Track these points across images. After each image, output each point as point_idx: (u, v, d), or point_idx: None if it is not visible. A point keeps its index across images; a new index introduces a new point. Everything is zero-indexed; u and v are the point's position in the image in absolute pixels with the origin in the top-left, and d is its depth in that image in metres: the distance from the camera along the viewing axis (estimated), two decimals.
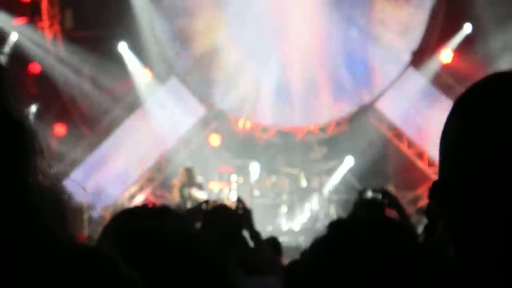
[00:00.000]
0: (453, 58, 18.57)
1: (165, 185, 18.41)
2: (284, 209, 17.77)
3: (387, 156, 18.89)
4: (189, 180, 15.51)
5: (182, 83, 19.08)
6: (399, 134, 19.09)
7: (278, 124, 19.40)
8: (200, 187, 15.64)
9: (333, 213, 17.32)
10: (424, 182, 17.86)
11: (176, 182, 16.17)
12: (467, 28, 18.32)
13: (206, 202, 5.36)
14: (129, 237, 1.86)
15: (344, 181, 18.41)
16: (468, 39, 18.29)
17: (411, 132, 18.91)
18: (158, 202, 15.60)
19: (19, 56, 17.20)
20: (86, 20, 18.39)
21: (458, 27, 18.40)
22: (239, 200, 5.18)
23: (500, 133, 1.18)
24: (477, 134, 1.21)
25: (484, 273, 1.20)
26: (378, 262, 1.68)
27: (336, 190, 18.23)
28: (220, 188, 17.27)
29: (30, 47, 17.88)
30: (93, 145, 18.54)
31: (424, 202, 16.61)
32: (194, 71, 19.08)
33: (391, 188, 16.91)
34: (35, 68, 18.17)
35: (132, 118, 18.80)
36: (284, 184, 17.98)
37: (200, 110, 19.25)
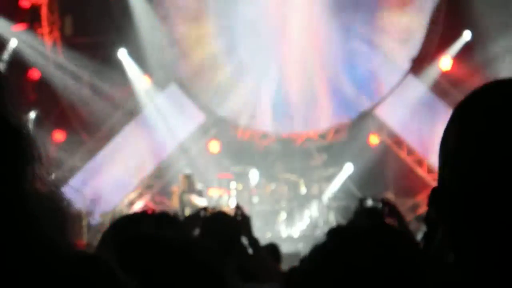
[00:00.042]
0: (453, 65, 18.60)
1: (164, 191, 18.40)
2: (283, 216, 17.76)
3: (386, 163, 18.89)
4: (189, 186, 15.51)
5: (181, 90, 19.08)
6: (398, 141, 19.10)
7: (278, 131, 19.40)
8: (199, 193, 15.64)
9: (333, 220, 17.31)
10: (423, 189, 17.86)
11: (176, 188, 16.17)
12: (467, 35, 18.35)
13: (205, 209, 5.36)
14: (127, 244, 1.85)
15: (343, 188, 18.41)
16: (467, 46, 18.31)
17: (410, 139, 18.92)
18: (157, 208, 15.59)
19: (18, 62, 17.22)
20: (86, 26, 18.41)
21: (458, 34, 18.43)
22: (237, 207, 5.17)
23: (500, 140, 1.18)
24: (477, 141, 1.21)
25: (483, 279, 1.20)
26: (378, 269, 1.68)
27: (335, 197, 18.23)
28: (220, 194, 17.25)
29: (30, 53, 17.89)
30: (93, 152, 18.54)
31: (423, 209, 16.59)
32: (194, 78, 19.09)
33: (390, 195, 16.94)
34: (34, 74, 18.18)
35: (132, 125, 18.80)
36: (283, 191, 17.98)
37: (199, 117, 19.25)
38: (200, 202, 14.97)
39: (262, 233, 15.40)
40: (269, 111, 19.10)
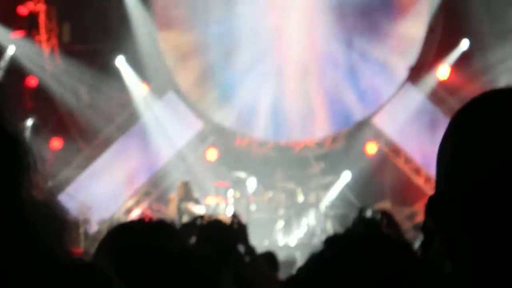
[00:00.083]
0: (450, 73, 18.60)
1: (161, 199, 18.38)
2: (280, 224, 17.74)
3: (384, 172, 18.88)
4: (187, 194, 15.50)
5: (179, 97, 19.08)
6: (396, 150, 19.10)
7: (275, 139, 19.40)
8: (197, 201, 15.63)
9: (330, 228, 17.28)
10: (421, 198, 17.84)
11: (174, 196, 16.16)
12: (465, 44, 18.36)
13: (201, 217, 5.36)
14: (124, 252, 1.85)
15: (341, 196, 18.40)
16: (465, 55, 18.33)
17: (408, 147, 18.92)
18: (155, 216, 15.57)
19: (16, 70, 17.23)
20: (84, 33, 18.43)
21: (456, 43, 18.45)
22: (234, 215, 5.17)
23: (497, 149, 1.18)
24: (475, 150, 1.21)
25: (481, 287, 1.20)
26: (375, 278, 1.67)
27: (333, 205, 18.21)
28: (217, 202, 17.24)
29: (27, 61, 17.89)
30: (90, 159, 18.52)
31: (421, 217, 16.58)
32: (192, 86, 19.10)
33: (387, 204, 16.94)
34: (32, 81, 18.18)
35: (129, 132, 18.79)
36: (281, 199, 17.95)
37: (197, 125, 19.24)
38: (198, 210, 14.95)
39: (260, 241, 15.37)
40: (267, 119, 19.10)
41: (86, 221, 15.67)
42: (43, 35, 18.50)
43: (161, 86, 18.93)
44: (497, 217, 1.17)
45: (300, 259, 14.11)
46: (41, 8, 18.47)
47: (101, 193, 17.68)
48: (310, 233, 17.51)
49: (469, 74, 17.63)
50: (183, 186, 15.64)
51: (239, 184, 17.69)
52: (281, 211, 17.84)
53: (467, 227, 1.21)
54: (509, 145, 1.18)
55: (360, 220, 4.80)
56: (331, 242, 1.82)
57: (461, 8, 17.75)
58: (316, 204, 17.92)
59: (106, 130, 18.59)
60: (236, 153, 19.08)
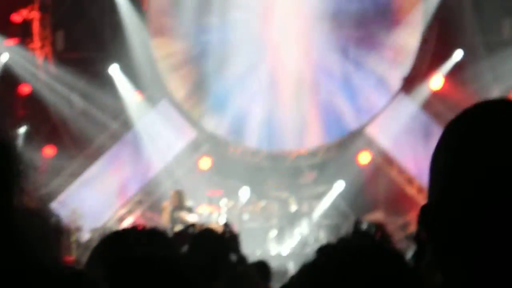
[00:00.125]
0: (444, 84, 18.64)
1: (154, 207, 18.33)
2: (273, 233, 17.72)
3: (377, 182, 18.88)
4: (180, 203, 15.48)
5: (173, 106, 19.07)
6: (389, 160, 19.10)
7: (269, 148, 19.39)
8: (190, 210, 15.60)
9: (323, 238, 17.27)
10: (413, 208, 17.82)
11: (167, 204, 16.12)
12: (458, 54, 18.40)
13: (193, 225, 5.36)
14: (117, 263, 1.84)
15: (334, 205, 18.39)
16: (458, 65, 18.37)
17: (401, 158, 18.93)
18: (147, 224, 15.53)
19: (9, 77, 17.21)
20: (78, 41, 18.43)
21: (449, 53, 18.48)
22: (226, 224, 5.18)
23: (491, 160, 1.18)
24: (468, 161, 1.21)
25: None
26: (368, 287, 1.67)
27: (325, 215, 18.21)
28: (210, 211, 17.22)
29: (21, 68, 17.87)
30: (83, 167, 18.48)
31: (413, 227, 16.58)
32: (185, 95, 19.10)
33: (380, 214, 16.95)
34: (25, 89, 18.14)
35: (122, 141, 18.77)
36: (273, 208, 17.95)
37: (191, 133, 19.23)
38: (191, 218, 14.93)
39: (252, 251, 15.34)
40: (260, 128, 19.09)
41: (78, 229, 15.62)
42: (36, 42, 18.48)
43: (154, 94, 18.92)
44: (489, 228, 1.17)
45: (293, 269, 14.08)
46: (35, 15, 18.47)
47: (94, 201, 17.65)
48: (303, 243, 17.49)
49: (462, 85, 17.67)
50: (176, 195, 15.62)
51: (232, 193, 17.68)
52: (274, 221, 17.83)
53: (458, 238, 1.21)
54: (503, 155, 1.18)
55: (354, 232, 4.81)
56: (323, 251, 1.82)
57: (454, 19, 17.81)
58: (309, 214, 17.92)
59: (99, 138, 18.56)
60: (229, 162, 19.06)
